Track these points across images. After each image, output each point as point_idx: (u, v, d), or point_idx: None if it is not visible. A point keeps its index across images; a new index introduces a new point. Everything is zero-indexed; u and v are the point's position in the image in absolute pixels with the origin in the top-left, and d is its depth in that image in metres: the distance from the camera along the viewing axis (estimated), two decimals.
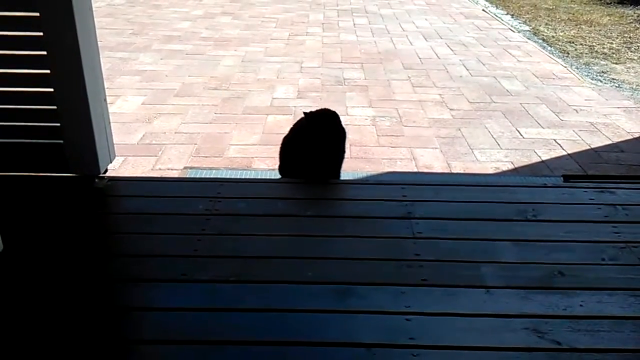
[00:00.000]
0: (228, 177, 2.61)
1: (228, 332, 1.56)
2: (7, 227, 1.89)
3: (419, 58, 5.58)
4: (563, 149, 3.53)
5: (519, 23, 7.34)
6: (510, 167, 3.28)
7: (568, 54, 5.85)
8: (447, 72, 5.14)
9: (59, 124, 2.27)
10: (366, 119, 3.97)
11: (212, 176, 2.89)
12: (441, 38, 6.40)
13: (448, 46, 6.05)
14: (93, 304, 1.68)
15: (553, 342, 1.53)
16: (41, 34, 2.13)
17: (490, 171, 3.22)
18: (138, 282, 1.79)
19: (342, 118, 3.88)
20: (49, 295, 1.71)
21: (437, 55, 5.70)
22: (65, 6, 2.07)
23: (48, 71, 2.19)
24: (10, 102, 2.33)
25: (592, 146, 3.58)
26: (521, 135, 3.74)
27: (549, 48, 6.06)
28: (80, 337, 1.54)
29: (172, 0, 8.20)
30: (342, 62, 5.39)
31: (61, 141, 2.29)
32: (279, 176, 2.56)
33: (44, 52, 2.16)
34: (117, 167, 3.07)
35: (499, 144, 3.58)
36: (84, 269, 1.84)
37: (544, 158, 3.40)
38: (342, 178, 2.64)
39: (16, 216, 2.09)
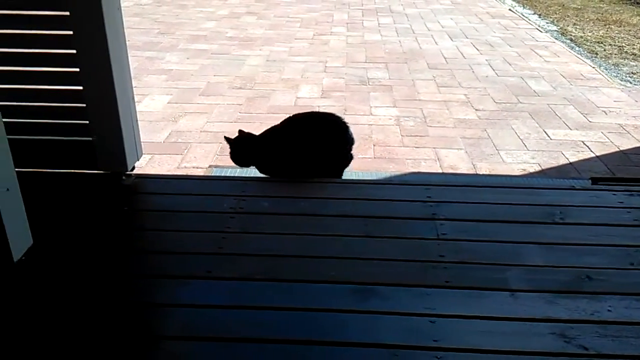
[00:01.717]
0: (252, 175, 2.62)
1: (252, 329, 1.57)
2: (37, 221, 1.93)
3: (444, 58, 5.54)
4: (591, 151, 3.47)
5: (547, 23, 7.23)
6: (538, 168, 3.23)
7: (597, 54, 5.75)
8: (473, 72, 5.09)
9: (87, 122, 2.31)
10: (390, 119, 3.95)
11: (236, 175, 2.91)
12: (467, 38, 6.35)
13: (474, 46, 5.99)
14: (119, 300, 1.70)
15: (580, 348, 1.51)
16: (71, 32, 2.16)
17: (517, 173, 3.18)
18: (164, 279, 1.81)
19: (366, 118, 3.92)
20: (77, 289, 1.74)
21: (462, 55, 5.65)
22: (95, 5, 2.10)
23: (77, 69, 2.23)
24: (41, 99, 2.38)
25: (621, 148, 3.51)
26: (548, 136, 3.68)
27: (577, 48, 5.97)
28: (106, 332, 1.57)
29: (198, 0, 8.27)
30: (366, 62, 5.37)
31: (90, 138, 2.33)
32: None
33: (74, 51, 2.20)
34: (144, 165, 3.10)
35: (525, 145, 3.53)
36: (111, 265, 1.87)
37: (571, 160, 3.35)
38: (366, 178, 2.63)
39: (46, 211, 2.13)
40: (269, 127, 2.60)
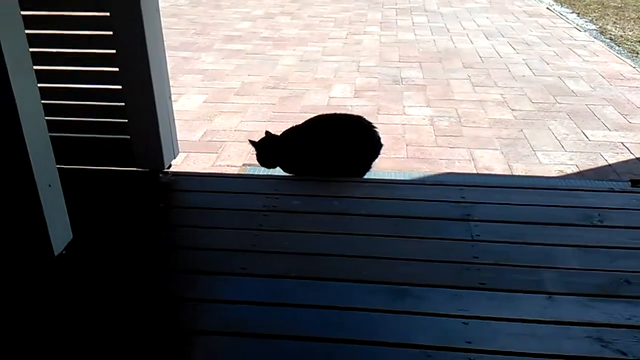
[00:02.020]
0: (285, 174, 2.64)
1: (286, 326, 1.59)
2: (77, 217, 1.98)
3: (480, 57, 5.47)
4: (631, 153, 3.38)
5: (585, 22, 7.07)
6: (575, 170, 3.17)
7: (637, 54, 5.59)
8: (509, 71, 5.02)
9: (126, 120, 2.36)
10: (424, 119, 3.93)
11: (269, 173, 2.93)
12: (503, 36, 6.25)
13: (510, 45, 5.90)
14: (156, 294, 1.74)
15: (617, 352, 1.48)
16: (111, 33, 2.22)
17: (554, 174, 3.12)
18: (199, 274, 1.84)
19: (399, 118, 3.90)
20: (115, 283, 1.78)
21: (498, 54, 5.58)
22: (134, 7, 2.15)
23: (117, 69, 2.28)
24: (82, 98, 2.44)
25: None
26: (587, 137, 3.61)
27: (617, 48, 5.82)
28: (143, 326, 1.60)
29: (233, 1, 8.36)
30: (400, 61, 5.35)
31: (128, 137, 2.38)
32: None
33: (114, 51, 2.25)
34: (180, 163, 3.15)
35: (563, 146, 3.47)
36: (147, 260, 1.91)
37: (610, 162, 3.27)
38: (399, 178, 2.62)
39: (86, 207, 2.19)
40: (291, 126, 2.63)
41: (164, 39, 2.38)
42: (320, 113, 2.68)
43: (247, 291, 1.74)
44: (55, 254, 1.87)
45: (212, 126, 3.80)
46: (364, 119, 2.60)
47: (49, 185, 1.82)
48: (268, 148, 2.61)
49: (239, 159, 3.30)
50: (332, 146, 2.50)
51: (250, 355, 1.50)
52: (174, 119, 2.50)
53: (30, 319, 1.63)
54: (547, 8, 7.86)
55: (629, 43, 5.98)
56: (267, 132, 2.63)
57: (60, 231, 1.90)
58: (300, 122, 2.64)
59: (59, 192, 1.88)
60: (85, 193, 2.30)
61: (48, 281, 1.80)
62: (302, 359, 1.49)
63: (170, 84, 2.50)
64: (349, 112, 2.85)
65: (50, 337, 1.56)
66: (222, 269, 1.84)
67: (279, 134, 2.64)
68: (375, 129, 2.57)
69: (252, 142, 2.63)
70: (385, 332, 1.57)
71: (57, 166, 1.87)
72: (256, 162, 3.12)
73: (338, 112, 2.84)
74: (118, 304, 1.69)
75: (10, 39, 1.60)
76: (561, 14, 7.46)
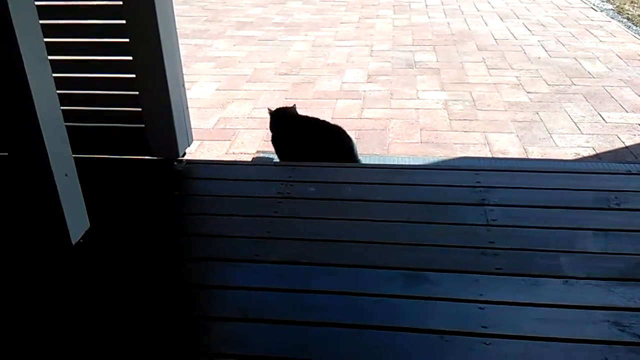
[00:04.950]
0: (299, 161, 2.64)
1: (301, 312, 1.60)
2: (94, 206, 2.00)
3: (495, 39, 5.40)
4: None
5: (602, 1, 6.93)
6: (592, 153, 3.13)
7: None
8: (525, 53, 4.95)
9: (140, 109, 2.37)
10: (438, 103, 3.90)
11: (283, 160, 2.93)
12: (518, 18, 6.16)
13: (525, 26, 5.81)
14: (170, 281, 1.76)
15: (635, 336, 1.47)
16: (124, 22, 2.21)
17: (570, 157, 3.09)
18: (214, 261, 1.86)
19: (413, 102, 3.88)
20: (131, 271, 1.80)
21: (513, 35, 5.50)
22: None
23: (130, 58, 2.28)
24: (96, 87, 2.45)
25: None
26: (603, 119, 3.56)
27: (634, 28, 5.71)
28: (158, 313, 1.62)
29: None
30: (413, 45, 5.30)
31: (142, 125, 2.39)
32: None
33: (127, 40, 2.25)
34: (194, 151, 3.16)
35: (579, 129, 3.42)
36: (163, 247, 1.93)
37: (628, 144, 3.23)
38: (413, 163, 2.61)
39: (102, 196, 2.20)
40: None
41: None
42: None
43: (262, 278, 1.75)
44: (73, 242, 1.89)
45: (225, 114, 3.80)
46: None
47: (66, 175, 1.84)
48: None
49: (252, 146, 3.30)
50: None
51: (265, 341, 1.51)
52: (187, 107, 2.50)
53: (49, 306, 1.66)
54: None
55: None
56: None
57: (77, 220, 1.92)
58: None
59: (75, 181, 1.90)
60: (101, 182, 2.31)
61: (66, 270, 1.82)
62: (317, 345, 1.50)
63: (183, 72, 2.50)
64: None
65: (68, 324, 1.58)
66: (237, 256, 1.85)
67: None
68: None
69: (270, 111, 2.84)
70: (401, 317, 1.57)
71: (73, 156, 1.89)
72: (270, 149, 3.13)
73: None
74: (134, 291, 1.71)
75: (25, 30, 1.61)
76: None
